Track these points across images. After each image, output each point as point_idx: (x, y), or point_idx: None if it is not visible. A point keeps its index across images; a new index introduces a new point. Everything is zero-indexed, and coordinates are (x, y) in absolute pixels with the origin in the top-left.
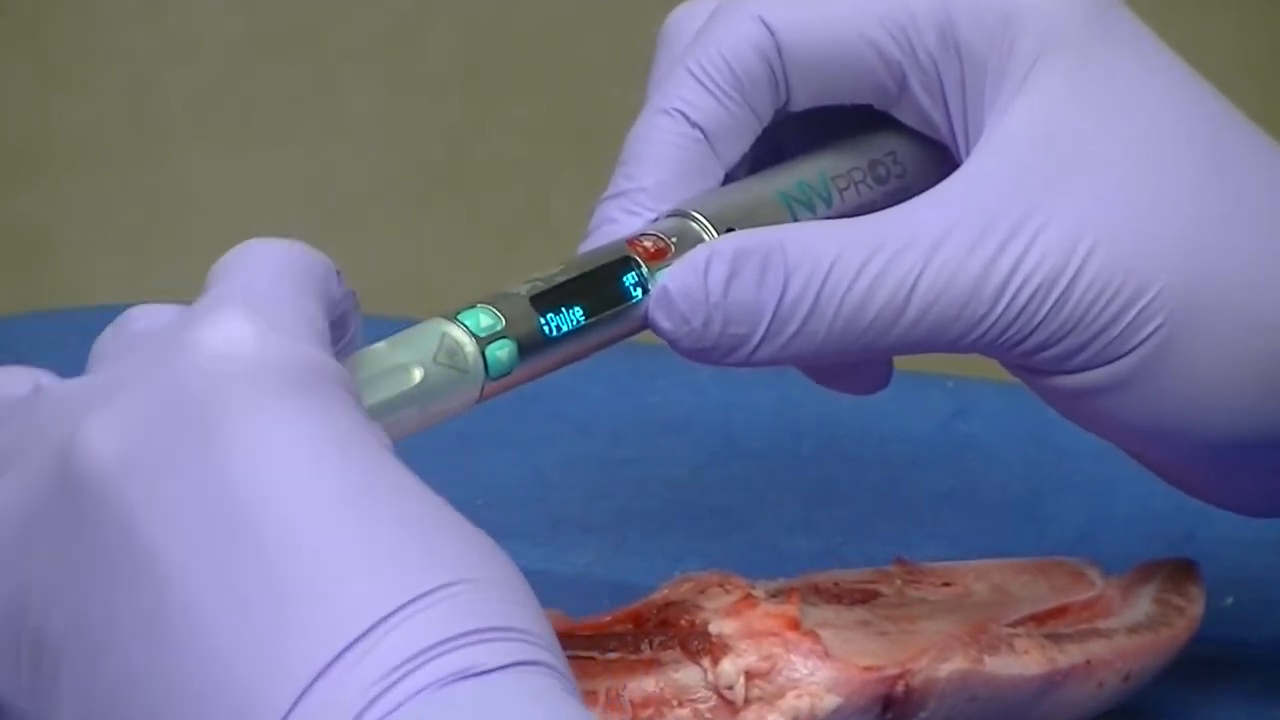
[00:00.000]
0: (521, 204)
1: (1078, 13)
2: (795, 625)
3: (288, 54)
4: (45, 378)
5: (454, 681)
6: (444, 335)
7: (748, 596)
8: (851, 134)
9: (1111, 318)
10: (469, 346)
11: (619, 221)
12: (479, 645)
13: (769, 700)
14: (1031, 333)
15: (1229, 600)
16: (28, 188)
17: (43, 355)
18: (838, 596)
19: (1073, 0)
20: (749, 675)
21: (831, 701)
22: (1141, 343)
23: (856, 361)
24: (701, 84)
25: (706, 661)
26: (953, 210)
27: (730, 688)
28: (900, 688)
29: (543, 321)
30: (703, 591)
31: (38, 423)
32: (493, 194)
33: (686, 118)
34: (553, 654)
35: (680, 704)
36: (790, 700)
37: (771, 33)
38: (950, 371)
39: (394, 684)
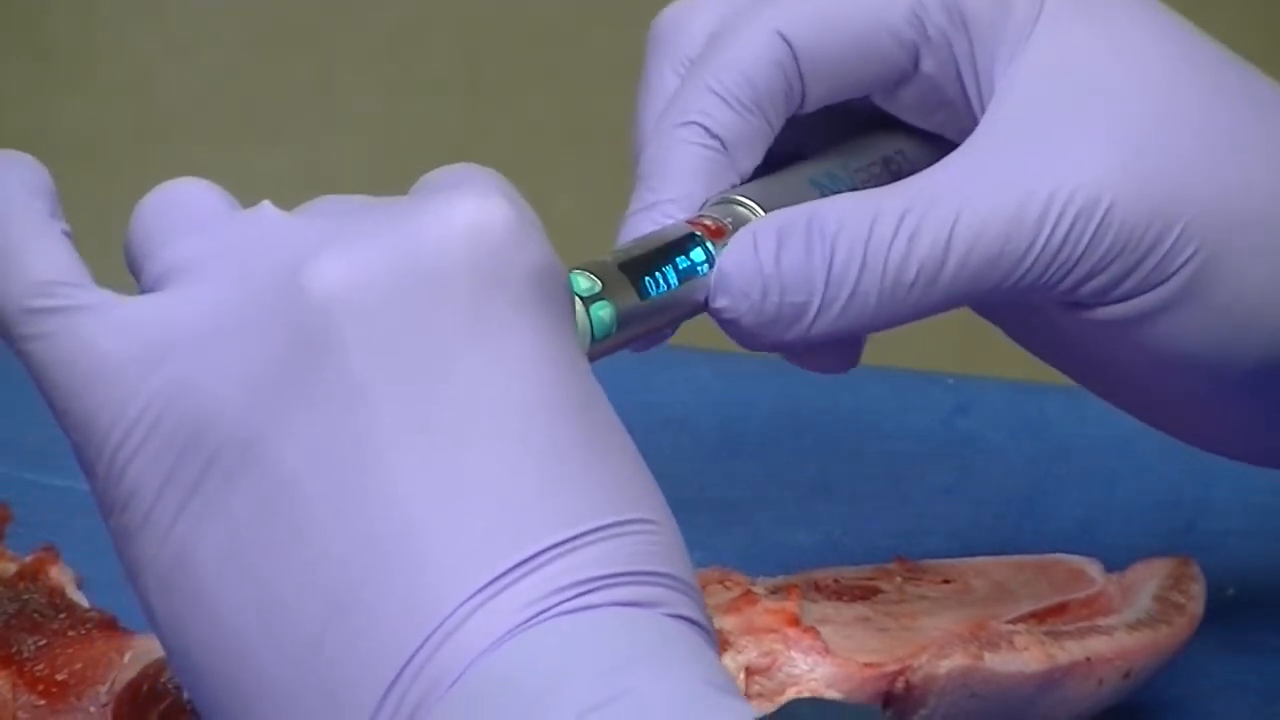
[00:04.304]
0: None
1: None
2: (795, 622)
3: (288, 54)
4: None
5: (634, 606)
6: None
7: (748, 593)
8: (855, 136)
9: (1156, 238)
10: (577, 305)
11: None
12: (659, 588)
13: (769, 696)
14: (1079, 261)
15: (1230, 591)
16: None
17: None
18: (838, 593)
19: None
20: (749, 671)
21: (832, 698)
22: (1185, 263)
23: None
24: (722, 99)
25: None
26: (979, 159)
27: None
28: (900, 684)
29: (636, 285)
30: (703, 588)
31: (257, 236)
32: None
33: (707, 130)
34: (711, 627)
35: None
36: (790, 696)
37: (789, 44)
38: (951, 369)
39: (579, 594)
